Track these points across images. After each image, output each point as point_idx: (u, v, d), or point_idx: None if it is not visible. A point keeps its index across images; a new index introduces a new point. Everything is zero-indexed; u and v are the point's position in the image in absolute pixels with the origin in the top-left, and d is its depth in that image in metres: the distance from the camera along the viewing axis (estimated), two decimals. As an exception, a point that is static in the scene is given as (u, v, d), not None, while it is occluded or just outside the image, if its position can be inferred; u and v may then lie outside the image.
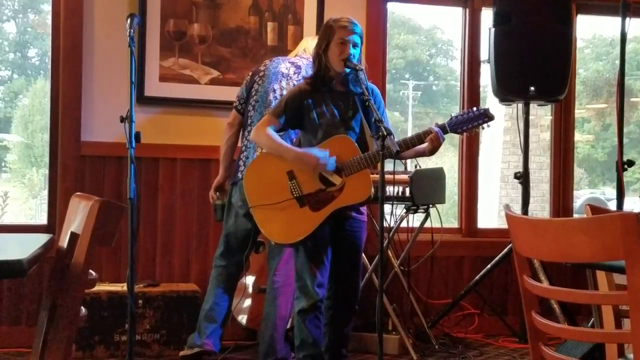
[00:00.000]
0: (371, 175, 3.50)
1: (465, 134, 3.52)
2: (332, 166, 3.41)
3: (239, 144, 4.13)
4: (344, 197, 3.43)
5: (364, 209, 3.66)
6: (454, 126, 3.45)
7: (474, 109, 3.48)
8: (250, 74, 4.11)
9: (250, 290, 4.46)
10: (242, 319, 4.44)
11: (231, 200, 4.03)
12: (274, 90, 3.97)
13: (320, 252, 3.49)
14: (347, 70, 3.47)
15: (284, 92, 3.93)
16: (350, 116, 3.53)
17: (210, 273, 4.72)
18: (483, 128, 3.50)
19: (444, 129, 3.44)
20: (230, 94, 4.69)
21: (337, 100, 3.54)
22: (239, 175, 3.94)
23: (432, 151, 3.45)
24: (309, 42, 4.12)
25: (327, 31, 3.54)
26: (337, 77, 3.54)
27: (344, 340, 3.71)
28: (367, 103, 3.41)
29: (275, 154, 3.53)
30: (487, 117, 3.45)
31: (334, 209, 3.43)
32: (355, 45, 3.49)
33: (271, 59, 4.14)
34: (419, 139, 3.42)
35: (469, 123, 3.45)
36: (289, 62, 4.06)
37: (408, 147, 3.44)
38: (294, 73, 4.00)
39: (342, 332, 3.65)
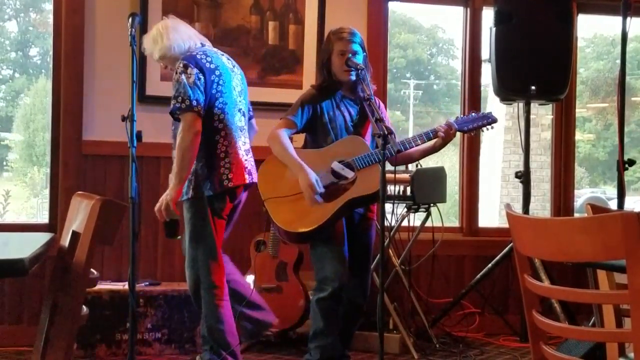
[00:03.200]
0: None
1: (470, 133, 3.73)
2: (318, 198, 3.48)
3: (197, 151, 3.59)
4: (356, 188, 3.51)
5: (373, 208, 3.71)
6: (460, 125, 3.63)
7: (479, 112, 3.73)
8: (195, 72, 3.56)
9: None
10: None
11: (220, 213, 3.69)
12: (234, 88, 3.74)
13: (341, 243, 3.56)
14: (353, 78, 3.56)
15: (238, 89, 3.76)
16: (357, 122, 3.65)
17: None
18: (488, 129, 3.72)
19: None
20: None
21: (347, 106, 3.66)
22: (226, 183, 3.62)
23: (441, 147, 3.62)
24: (189, 29, 3.85)
25: (327, 44, 3.66)
26: (344, 85, 3.66)
27: (348, 340, 3.74)
28: (368, 102, 3.44)
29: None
30: (490, 119, 3.68)
31: (347, 199, 3.50)
32: (354, 54, 3.57)
33: (204, 51, 3.70)
34: (428, 136, 3.58)
35: (474, 123, 3.66)
36: (224, 57, 3.80)
37: (417, 145, 3.57)
38: (234, 66, 3.81)
39: (349, 331, 3.68)
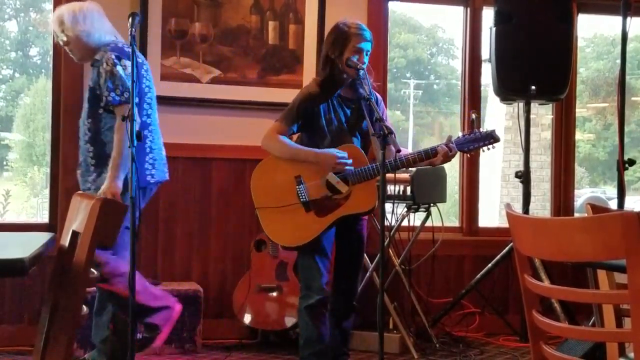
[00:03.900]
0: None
1: (470, 153, 3.60)
2: (349, 169, 3.45)
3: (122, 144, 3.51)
4: (349, 205, 3.47)
5: None
6: (461, 145, 3.53)
7: (481, 130, 3.56)
8: (129, 64, 3.40)
9: (251, 289, 4.47)
10: (246, 318, 4.45)
11: (140, 208, 3.57)
12: (153, 85, 3.75)
13: (326, 250, 3.53)
14: (361, 75, 3.47)
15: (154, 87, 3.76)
16: (356, 123, 3.59)
17: (210, 272, 4.74)
18: (488, 149, 3.60)
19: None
20: (232, 92, 4.71)
21: (345, 107, 3.60)
22: (149, 179, 3.65)
23: (440, 163, 3.54)
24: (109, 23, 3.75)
25: (341, 37, 3.54)
26: (345, 82, 3.59)
27: (345, 337, 3.73)
28: (368, 102, 3.42)
29: (283, 159, 3.54)
30: (492, 138, 3.56)
31: (338, 216, 3.47)
32: (367, 53, 3.53)
33: (127, 43, 3.51)
34: (427, 155, 3.49)
35: (475, 143, 3.54)
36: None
37: (416, 163, 3.51)
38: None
39: (343, 328, 3.67)
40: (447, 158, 3.50)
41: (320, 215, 3.48)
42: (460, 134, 3.59)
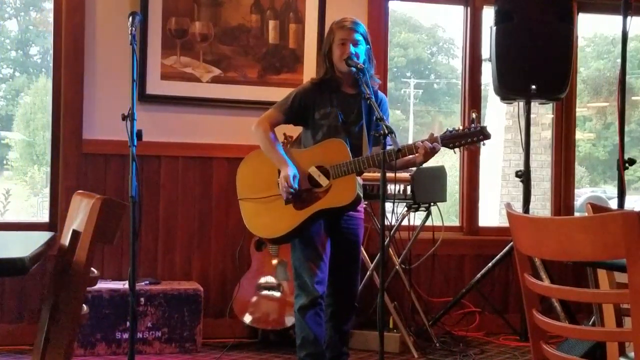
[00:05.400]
0: (372, 174, 3.50)
1: (457, 149, 3.46)
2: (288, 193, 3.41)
3: None
4: (327, 199, 3.44)
5: (360, 206, 3.64)
6: (447, 140, 3.42)
7: (472, 125, 3.44)
8: None
9: (252, 288, 4.47)
10: (246, 317, 4.45)
11: None
12: None
13: (318, 248, 3.49)
14: (353, 69, 3.46)
15: None
16: (353, 120, 3.54)
17: (210, 272, 4.74)
18: (478, 145, 3.48)
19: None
20: (232, 92, 4.72)
21: (343, 103, 3.55)
22: None
23: (422, 162, 3.44)
24: None
25: (329, 34, 3.58)
26: (345, 78, 3.55)
27: (344, 338, 3.71)
28: (368, 101, 3.40)
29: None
30: (482, 135, 3.43)
31: (316, 210, 3.44)
32: (356, 44, 3.49)
33: None
34: (410, 150, 3.40)
35: (463, 139, 3.42)
36: None
37: (392, 159, 3.37)
38: None
39: (342, 329, 3.65)
40: (428, 155, 3.37)
41: (299, 208, 3.46)
42: (449, 129, 3.46)
